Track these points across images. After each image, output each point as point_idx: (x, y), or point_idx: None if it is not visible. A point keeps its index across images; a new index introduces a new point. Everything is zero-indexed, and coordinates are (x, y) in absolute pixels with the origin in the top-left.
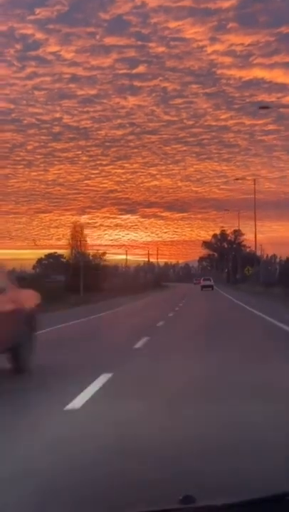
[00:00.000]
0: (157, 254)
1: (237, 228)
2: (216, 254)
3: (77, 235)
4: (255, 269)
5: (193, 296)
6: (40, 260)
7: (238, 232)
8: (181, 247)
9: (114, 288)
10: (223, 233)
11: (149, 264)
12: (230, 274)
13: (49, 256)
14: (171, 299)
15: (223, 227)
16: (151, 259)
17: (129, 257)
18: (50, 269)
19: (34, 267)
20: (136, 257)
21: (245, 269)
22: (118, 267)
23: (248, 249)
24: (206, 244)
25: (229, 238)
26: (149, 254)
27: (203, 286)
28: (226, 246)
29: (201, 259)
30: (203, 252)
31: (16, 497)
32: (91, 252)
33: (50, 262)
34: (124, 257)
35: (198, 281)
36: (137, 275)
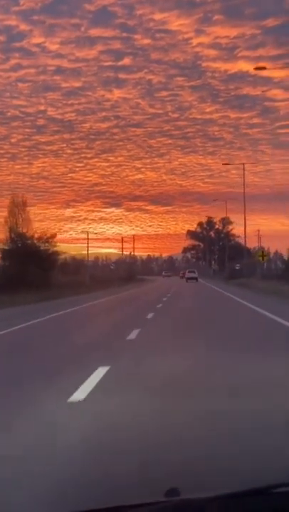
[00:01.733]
0: (133, 246)
1: (225, 216)
2: (201, 245)
3: (16, 211)
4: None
5: (175, 297)
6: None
7: (226, 220)
8: (166, 240)
9: (72, 283)
10: (210, 221)
11: (131, 257)
12: (224, 266)
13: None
14: (135, 304)
15: (210, 217)
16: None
17: (113, 251)
18: None
19: None
20: (117, 251)
21: (258, 255)
22: (98, 260)
23: (237, 239)
24: (190, 233)
25: (217, 227)
26: (123, 246)
27: (188, 279)
28: (212, 235)
29: (186, 249)
30: (188, 242)
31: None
32: (36, 234)
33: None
34: (111, 250)
35: (184, 273)
36: (107, 269)
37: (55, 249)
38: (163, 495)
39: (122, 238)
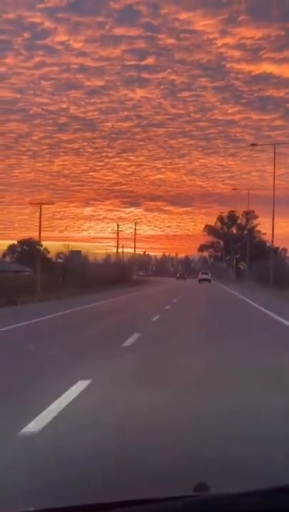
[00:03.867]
0: (134, 245)
1: (248, 209)
2: (221, 242)
3: None
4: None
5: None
6: (12, 247)
7: (250, 215)
8: (184, 241)
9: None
10: (232, 214)
11: (145, 256)
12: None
13: (23, 242)
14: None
15: (232, 210)
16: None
17: (129, 250)
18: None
19: (4, 255)
20: (133, 251)
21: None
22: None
23: (263, 236)
24: (209, 228)
25: (239, 222)
26: (117, 245)
27: (201, 280)
28: (234, 231)
29: (203, 247)
30: (205, 239)
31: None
32: None
33: (25, 250)
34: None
35: (181, 275)
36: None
37: None
38: (192, 490)
39: (118, 232)
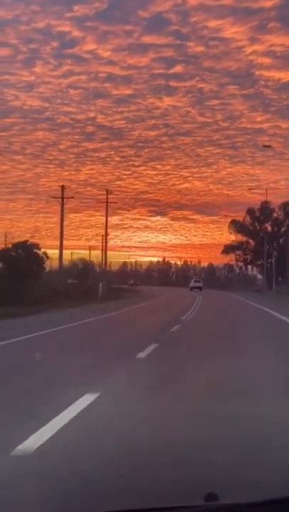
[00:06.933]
0: (103, 251)
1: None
2: (251, 242)
3: None
4: None
5: None
6: (6, 251)
7: None
8: (210, 250)
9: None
10: (265, 207)
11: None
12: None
13: (18, 245)
14: None
15: (265, 201)
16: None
17: (154, 259)
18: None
19: None
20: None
21: None
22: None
23: None
24: (235, 225)
25: (275, 215)
26: (90, 250)
27: (193, 288)
28: (269, 228)
29: (228, 249)
30: (231, 238)
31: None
32: None
33: (20, 254)
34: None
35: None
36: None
37: None
38: (202, 499)
39: (106, 234)
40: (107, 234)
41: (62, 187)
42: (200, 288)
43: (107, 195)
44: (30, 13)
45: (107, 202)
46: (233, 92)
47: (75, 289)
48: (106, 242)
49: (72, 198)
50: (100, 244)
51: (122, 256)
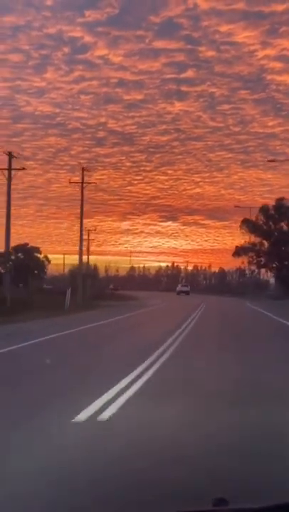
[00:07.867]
0: (80, 255)
1: None
2: (265, 243)
3: None
4: None
5: None
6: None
7: None
8: (221, 255)
9: None
10: (281, 204)
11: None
12: None
13: (17, 248)
14: None
15: (281, 197)
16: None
17: (164, 264)
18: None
19: None
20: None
21: None
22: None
23: None
24: (247, 224)
25: None
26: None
27: (180, 292)
28: (285, 227)
29: (239, 250)
30: (243, 239)
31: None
32: None
33: (19, 258)
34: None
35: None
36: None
37: None
38: (211, 504)
39: (89, 237)
40: (82, 229)
41: None
42: (187, 292)
43: (83, 172)
44: (41, 18)
45: (82, 182)
46: (245, 97)
47: (45, 296)
48: (83, 241)
49: (95, 183)
50: (100, 248)
51: (133, 261)
